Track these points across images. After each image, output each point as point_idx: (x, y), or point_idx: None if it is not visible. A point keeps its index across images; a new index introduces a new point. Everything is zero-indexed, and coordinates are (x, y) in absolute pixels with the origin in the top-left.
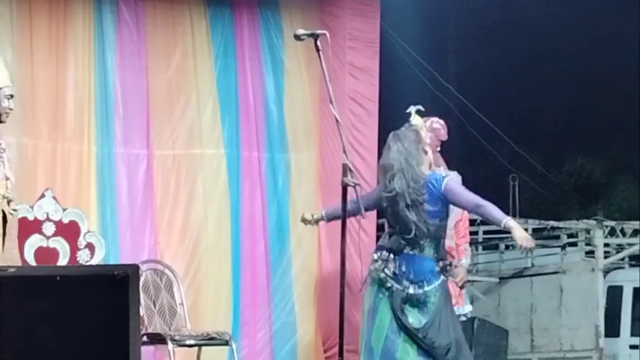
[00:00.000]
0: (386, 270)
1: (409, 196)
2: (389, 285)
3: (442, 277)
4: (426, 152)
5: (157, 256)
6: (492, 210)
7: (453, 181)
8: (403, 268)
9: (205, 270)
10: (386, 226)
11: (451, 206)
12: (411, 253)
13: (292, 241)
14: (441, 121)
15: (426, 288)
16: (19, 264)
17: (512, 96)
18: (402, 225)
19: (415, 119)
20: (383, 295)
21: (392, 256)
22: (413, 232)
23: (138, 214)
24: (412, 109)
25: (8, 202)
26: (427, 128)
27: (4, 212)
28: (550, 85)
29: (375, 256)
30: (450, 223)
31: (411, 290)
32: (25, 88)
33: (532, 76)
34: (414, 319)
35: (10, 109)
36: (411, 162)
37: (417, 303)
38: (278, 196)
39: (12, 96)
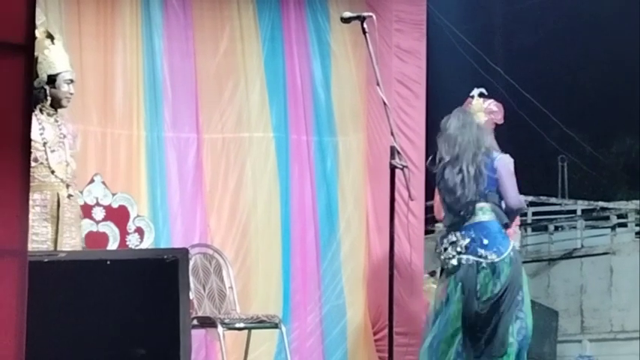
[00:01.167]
0: (458, 249)
1: (468, 163)
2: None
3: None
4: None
5: (207, 239)
6: (510, 214)
7: (503, 161)
8: (473, 235)
9: (255, 253)
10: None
11: None
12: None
13: (341, 225)
14: (499, 104)
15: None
16: (79, 248)
17: (560, 77)
18: (451, 193)
19: (476, 102)
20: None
21: (457, 233)
22: (458, 193)
23: (188, 198)
24: (475, 91)
25: (67, 187)
26: (485, 111)
27: (58, 197)
28: (598, 64)
29: (444, 246)
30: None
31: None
32: (75, 73)
33: (580, 56)
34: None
35: (71, 94)
36: (481, 138)
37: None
38: (327, 180)
39: (72, 81)
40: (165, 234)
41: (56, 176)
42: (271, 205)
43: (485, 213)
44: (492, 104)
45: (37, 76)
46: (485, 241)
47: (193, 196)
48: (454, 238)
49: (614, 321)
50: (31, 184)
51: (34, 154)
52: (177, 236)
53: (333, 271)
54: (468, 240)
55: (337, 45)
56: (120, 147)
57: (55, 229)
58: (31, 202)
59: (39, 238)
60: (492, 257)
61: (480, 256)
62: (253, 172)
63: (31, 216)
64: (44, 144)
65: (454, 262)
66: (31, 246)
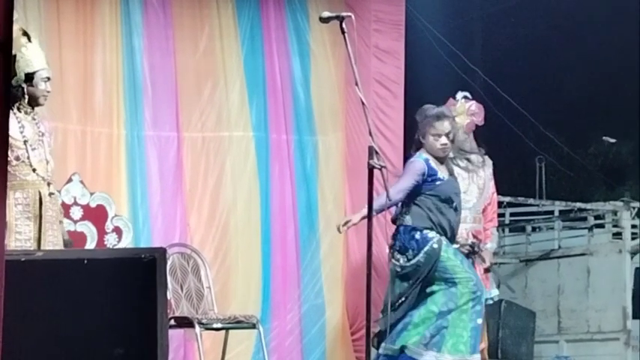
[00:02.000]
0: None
1: None
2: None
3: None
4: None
5: (187, 239)
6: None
7: (411, 163)
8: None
9: (235, 252)
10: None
11: (482, 190)
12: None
13: (321, 223)
14: (480, 106)
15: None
16: (61, 246)
17: (538, 77)
18: None
19: (460, 105)
20: None
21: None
22: None
23: (169, 197)
24: (460, 94)
25: (48, 185)
26: (467, 112)
27: (40, 195)
28: (577, 66)
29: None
30: (479, 206)
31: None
32: (54, 71)
33: (558, 57)
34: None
35: (48, 92)
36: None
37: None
38: (307, 179)
39: (49, 78)
40: (146, 233)
41: (37, 174)
42: (251, 204)
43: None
44: (473, 105)
45: (15, 75)
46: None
47: (173, 195)
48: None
49: (591, 322)
50: (13, 182)
51: (16, 152)
52: (158, 235)
53: (312, 270)
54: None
55: (316, 44)
56: (100, 145)
57: (37, 228)
58: (13, 201)
59: (22, 236)
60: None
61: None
62: (233, 171)
63: (13, 214)
64: (25, 142)
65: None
66: (15, 244)
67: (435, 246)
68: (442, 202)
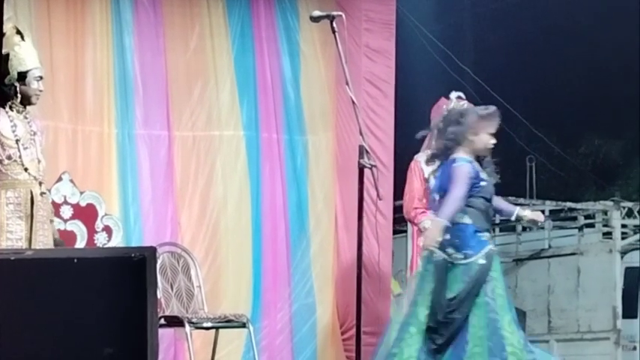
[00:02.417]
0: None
1: None
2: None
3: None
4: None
5: (178, 238)
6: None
7: (458, 168)
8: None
9: (225, 252)
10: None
11: None
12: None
13: (311, 223)
14: (471, 106)
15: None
16: (51, 246)
17: (529, 77)
18: None
19: (454, 105)
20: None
21: None
22: None
23: (160, 195)
24: (453, 94)
25: (40, 184)
26: None
27: (32, 194)
28: (567, 65)
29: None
30: None
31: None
32: (44, 69)
33: (549, 57)
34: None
35: (40, 91)
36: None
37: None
38: (297, 178)
39: (41, 77)
40: (137, 232)
41: (29, 174)
42: (242, 204)
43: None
44: (465, 105)
45: (9, 73)
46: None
47: (164, 194)
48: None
49: (581, 321)
50: (5, 181)
51: (8, 151)
52: (149, 234)
53: (302, 269)
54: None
55: (306, 44)
56: (91, 144)
57: (29, 227)
58: (4, 200)
59: (13, 235)
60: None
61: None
62: (224, 171)
63: (5, 214)
64: (17, 141)
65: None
66: (6, 244)
67: (493, 249)
68: (487, 202)
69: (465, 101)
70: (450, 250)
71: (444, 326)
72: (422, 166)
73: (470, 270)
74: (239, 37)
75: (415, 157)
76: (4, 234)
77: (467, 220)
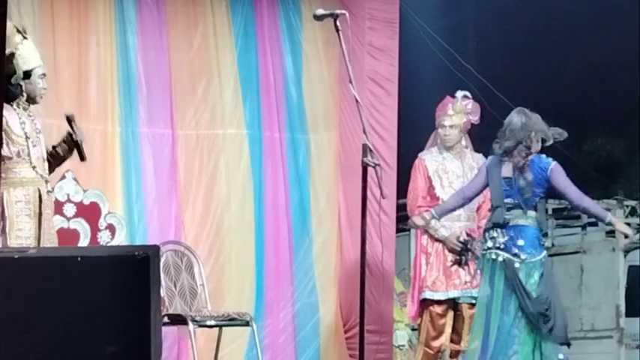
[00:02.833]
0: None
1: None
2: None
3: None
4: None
5: (182, 236)
6: (592, 204)
7: (558, 166)
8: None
9: (229, 250)
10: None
11: (478, 188)
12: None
13: (313, 222)
14: (476, 104)
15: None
16: (57, 244)
17: (532, 75)
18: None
19: (459, 103)
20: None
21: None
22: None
23: (164, 194)
24: (459, 93)
25: (46, 182)
26: (464, 111)
27: (40, 192)
28: (571, 64)
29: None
30: (473, 205)
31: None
32: (48, 68)
33: (553, 55)
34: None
35: (44, 89)
36: (532, 137)
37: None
38: (299, 177)
39: (44, 75)
40: (141, 230)
41: (37, 172)
42: (245, 202)
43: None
44: (470, 104)
45: (14, 73)
46: (521, 242)
47: (168, 193)
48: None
49: (585, 320)
50: (13, 179)
51: (17, 148)
52: (153, 232)
53: (305, 269)
54: (506, 238)
55: (308, 43)
56: (94, 142)
57: (37, 225)
58: (14, 198)
59: (22, 233)
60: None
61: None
62: (227, 169)
63: (14, 212)
64: (27, 138)
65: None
66: (16, 242)
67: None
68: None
69: (471, 100)
70: (515, 250)
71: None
72: (426, 164)
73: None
74: (242, 36)
75: (419, 155)
76: (14, 232)
77: (532, 222)
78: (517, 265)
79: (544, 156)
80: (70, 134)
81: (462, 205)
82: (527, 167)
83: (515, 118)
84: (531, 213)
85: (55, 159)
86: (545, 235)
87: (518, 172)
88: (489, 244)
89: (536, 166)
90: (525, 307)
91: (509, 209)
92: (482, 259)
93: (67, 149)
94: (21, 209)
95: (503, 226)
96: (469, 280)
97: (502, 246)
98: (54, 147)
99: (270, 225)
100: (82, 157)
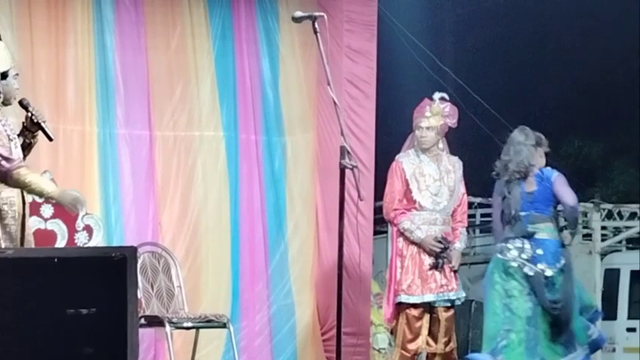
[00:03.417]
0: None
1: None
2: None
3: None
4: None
5: (159, 237)
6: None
7: (561, 176)
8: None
9: (206, 252)
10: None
11: (453, 192)
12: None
13: (289, 225)
14: (454, 108)
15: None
16: (33, 245)
17: (509, 78)
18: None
19: (436, 106)
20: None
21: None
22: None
23: (141, 195)
24: (437, 95)
25: None
26: (441, 114)
27: (22, 194)
28: (547, 67)
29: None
30: (449, 209)
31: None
32: (25, 68)
33: (529, 59)
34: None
35: (18, 89)
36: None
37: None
38: (275, 179)
39: (17, 75)
40: (119, 231)
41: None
42: (221, 204)
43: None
44: (447, 107)
45: None
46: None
47: (146, 194)
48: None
49: None
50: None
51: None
52: (131, 233)
53: (281, 271)
54: (532, 250)
55: (285, 46)
56: (72, 143)
57: (20, 227)
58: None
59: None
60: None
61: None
62: (204, 171)
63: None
64: (10, 140)
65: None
66: (4, 244)
67: None
68: None
69: (449, 103)
70: (541, 266)
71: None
72: (404, 166)
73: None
74: (220, 37)
75: (397, 157)
76: (2, 235)
77: (555, 234)
78: (542, 277)
79: (548, 168)
80: (29, 118)
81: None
82: (533, 182)
83: (519, 136)
84: (549, 225)
85: (24, 149)
86: (563, 245)
87: (527, 187)
88: (514, 253)
89: (542, 179)
90: (546, 313)
91: (529, 222)
92: (499, 263)
93: (31, 134)
94: (6, 211)
95: (527, 237)
96: (445, 283)
97: (530, 258)
98: (18, 136)
99: (246, 227)
100: (49, 137)
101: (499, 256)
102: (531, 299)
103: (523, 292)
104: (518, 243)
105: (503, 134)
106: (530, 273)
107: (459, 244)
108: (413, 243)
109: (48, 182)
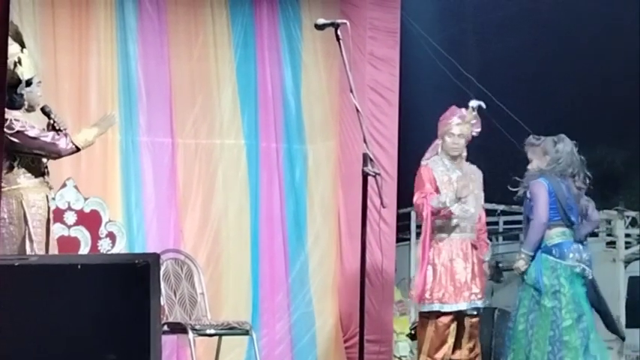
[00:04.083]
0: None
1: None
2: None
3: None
4: None
5: (181, 245)
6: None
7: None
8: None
9: (226, 260)
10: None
11: (478, 199)
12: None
13: (310, 233)
14: (477, 116)
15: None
16: (57, 251)
17: (532, 86)
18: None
19: (470, 113)
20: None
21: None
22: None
23: (163, 202)
24: (474, 103)
25: (50, 189)
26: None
27: (47, 199)
28: (571, 74)
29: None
30: (476, 216)
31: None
32: (49, 76)
33: (553, 66)
34: None
35: (40, 97)
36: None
37: None
38: (295, 188)
39: (40, 82)
40: (141, 238)
41: (45, 178)
42: (242, 212)
43: None
44: (472, 116)
45: (19, 82)
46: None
47: (168, 201)
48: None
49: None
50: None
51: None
52: (153, 241)
53: (301, 279)
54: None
55: (308, 54)
56: (95, 151)
57: (46, 232)
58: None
59: (36, 238)
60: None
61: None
62: (225, 179)
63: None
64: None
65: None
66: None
67: None
68: None
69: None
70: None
71: None
72: (432, 170)
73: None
74: (242, 46)
75: (424, 162)
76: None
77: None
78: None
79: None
80: (51, 125)
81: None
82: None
83: (567, 145)
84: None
85: (46, 156)
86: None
87: (576, 192)
88: (577, 257)
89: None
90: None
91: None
92: (563, 269)
93: None
94: (34, 214)
95: (581, 242)
96: (477, 292)
97: (587, 263)
98: None
99: (265, 236)
100: None
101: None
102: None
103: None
104: (575, 247)
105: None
106: (590, 277)
107: (487, 256)
108: (443, 250)
109: (89, 131)
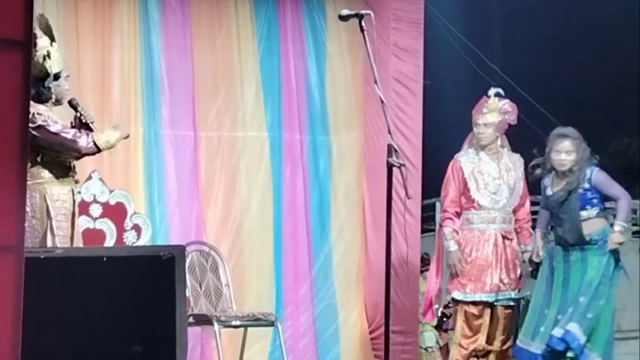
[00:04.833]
0: None
1: None
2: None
3: None
4: None
5: (203, 237)
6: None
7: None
8: None
9: (249, 252)
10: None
11: (513, 190)
12: None
13: (334, 224)
14: (513, 105)
15: None
16: (82, 244)
17: (557, 75)
18: None
19: (492, 101)
20: None
21: None
22: None
23: (185, 195)
24: (492, 91)
25: (75, 183)
26: (499, 110)
27: (73, 192)
28: (596, 64)
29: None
30: (509, 207)
31: None
32: (72, 69)
33: (578, 55)
34: None
35: (68, 90)
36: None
37: None
38: (319, 179)
39: (68, 76)
40: (163, 231)
41: (71, 171)
42: (265, 204)
43: None
44: (507, 104)
45: (47, 75)
46: None
47: (190, 194)
48: None
49: None
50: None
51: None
52: (175, 233)
53: (325, 271)
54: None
55: (332, 45)
56: (117, 144)
57: (71, 225)
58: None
59: (60, 232)
60: None
61: None
62: (247, 171)
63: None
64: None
65: None
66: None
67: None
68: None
69: (507, 100)
70: None
71: None
72: (462, 165)
73: None
74: (265, 37)
75: (456, 156)
76: (56, 231)
77: None
78: None
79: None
80: (78, 118)
81: None
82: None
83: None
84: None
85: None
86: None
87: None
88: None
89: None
90: None
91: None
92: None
93: None
94: (58, 208)
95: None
96: (509, 282)
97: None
98: None
99: (288, 227)
100: None
101: None
102: None
103: None
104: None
105: (550, 131)
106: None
107: (530, 246)
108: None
109: (112, 134)
